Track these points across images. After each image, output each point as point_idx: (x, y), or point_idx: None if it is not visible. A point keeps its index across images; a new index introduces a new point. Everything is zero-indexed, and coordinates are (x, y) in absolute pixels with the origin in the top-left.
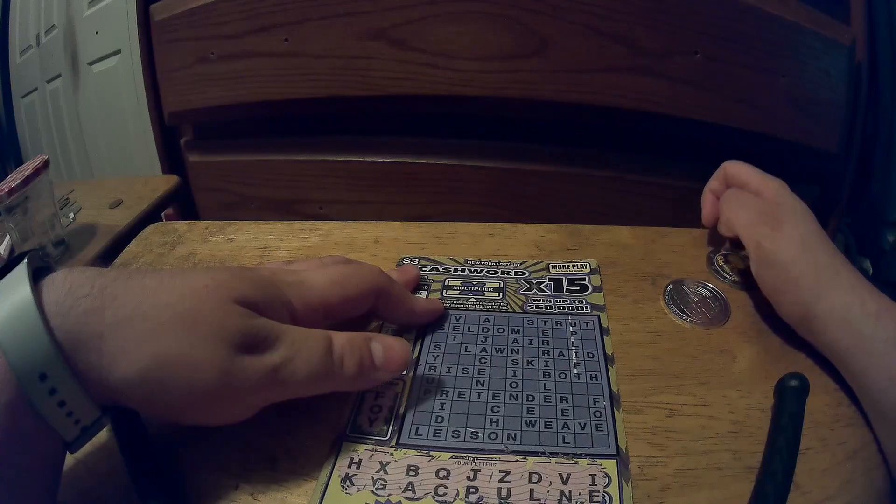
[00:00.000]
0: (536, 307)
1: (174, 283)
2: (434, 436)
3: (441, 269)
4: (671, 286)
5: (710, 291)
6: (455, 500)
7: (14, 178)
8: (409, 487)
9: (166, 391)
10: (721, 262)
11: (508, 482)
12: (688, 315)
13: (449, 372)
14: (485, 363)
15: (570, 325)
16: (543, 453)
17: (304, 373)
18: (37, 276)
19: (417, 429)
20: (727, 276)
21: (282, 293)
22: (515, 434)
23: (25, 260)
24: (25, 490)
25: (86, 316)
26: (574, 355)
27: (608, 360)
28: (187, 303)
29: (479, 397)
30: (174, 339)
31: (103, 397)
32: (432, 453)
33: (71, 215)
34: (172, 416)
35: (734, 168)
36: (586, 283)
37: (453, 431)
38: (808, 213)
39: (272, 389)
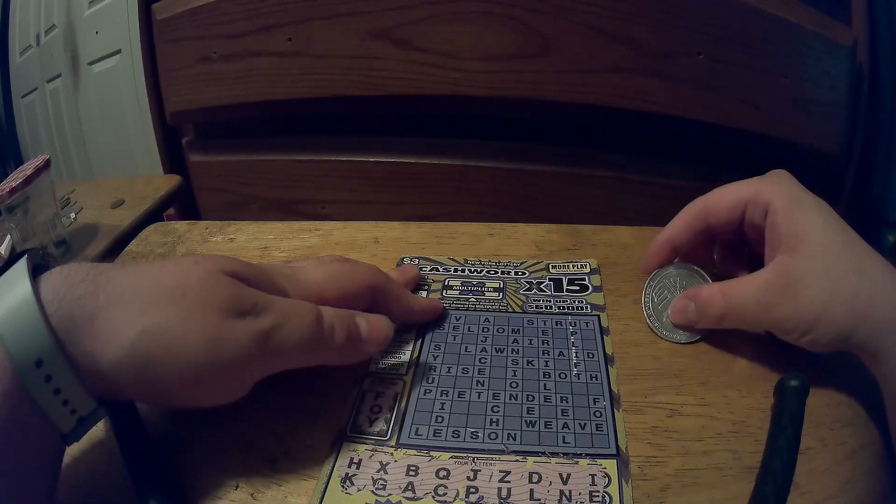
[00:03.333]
0: (536, 307)
1: (165, 263)
2: (434, 436)
3: (441, 269)
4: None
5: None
6: (455, 500)
7: (15, 178)
8: (409, 487)
9: (155, 368)
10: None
11: (508, 482)
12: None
13: (449, 372)
14: (485, 363)
15: (570, 325)
16: (543, 453)
17: (296, 339)
18: (36, 273)
19: (417, 429)
20: (727, 276)
21: (275, 281)
22: (515, 434)
23: (26, 256)
24: (23, 487)
25: (80, 300)
26: (574, 355)
27: (608, 360)
28: (176, 276)
29: (479, 397)
30: (162, 312)
31: (97, 387)
32: (432, 453)
33: (72, 215)
34: (165, 399)
35: (725, 203)
36: (586, 283)
37: (453, 431)
38: (825, 231)
39: (263, 358)
